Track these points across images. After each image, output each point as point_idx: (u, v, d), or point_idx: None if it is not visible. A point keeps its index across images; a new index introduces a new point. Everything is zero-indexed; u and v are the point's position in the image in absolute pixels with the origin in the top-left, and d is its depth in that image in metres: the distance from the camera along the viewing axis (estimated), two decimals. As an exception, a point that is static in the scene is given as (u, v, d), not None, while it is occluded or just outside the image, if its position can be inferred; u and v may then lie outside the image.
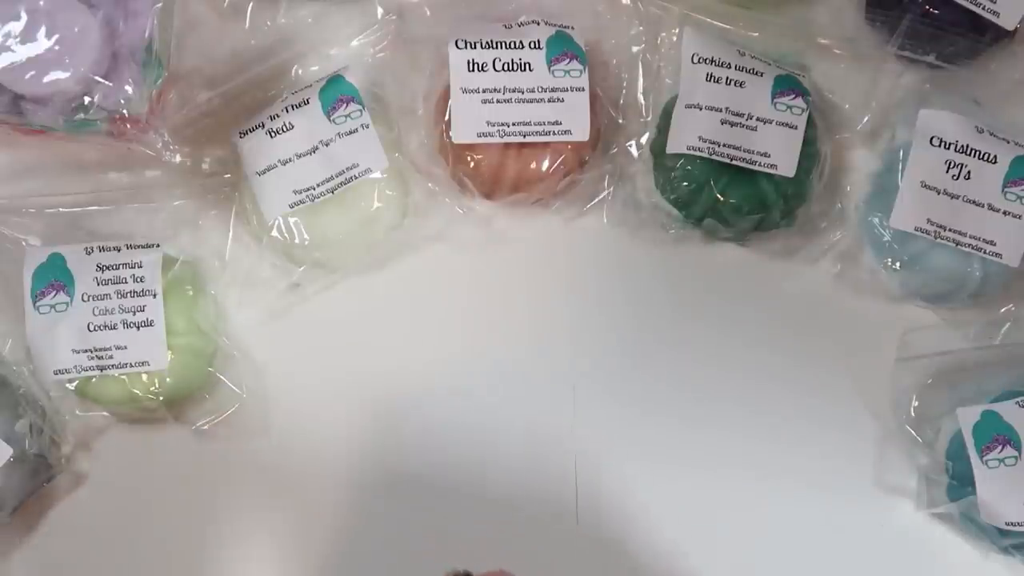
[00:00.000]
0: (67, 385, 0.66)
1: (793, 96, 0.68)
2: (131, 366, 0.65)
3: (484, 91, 0.68)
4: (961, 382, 0.68)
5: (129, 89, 0.64)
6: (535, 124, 0.68)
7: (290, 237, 0.67)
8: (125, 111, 0.64)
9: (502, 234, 0.71)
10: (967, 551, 0.68)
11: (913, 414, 0.67)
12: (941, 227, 0.67)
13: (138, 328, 0.65)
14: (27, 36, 0.62)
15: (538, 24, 0.69)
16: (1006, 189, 0.67)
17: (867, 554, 0.68)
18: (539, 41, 0.68)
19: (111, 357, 0.65)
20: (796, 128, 0.68)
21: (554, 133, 0.68)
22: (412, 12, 0.72)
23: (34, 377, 0.67)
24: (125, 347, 0.65)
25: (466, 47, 0.68)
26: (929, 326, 0.70)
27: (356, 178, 0.67)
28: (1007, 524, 0.63)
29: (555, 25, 0.69)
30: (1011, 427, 0.64)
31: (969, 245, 0.67)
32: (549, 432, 0.69)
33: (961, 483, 0.65)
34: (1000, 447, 0.63)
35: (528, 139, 0.68)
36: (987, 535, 0.65)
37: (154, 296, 0.65)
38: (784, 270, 0.71)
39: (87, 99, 0.63)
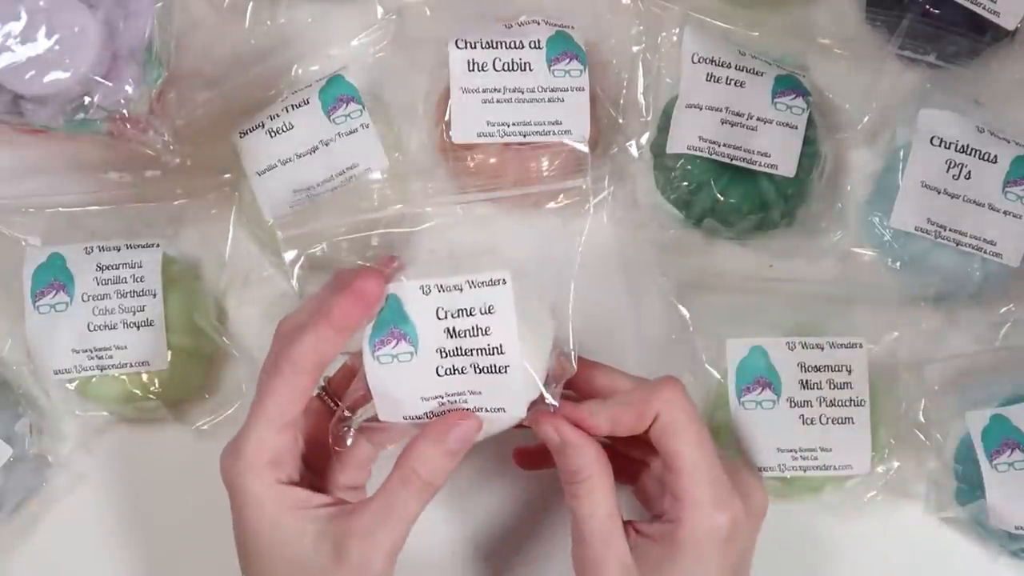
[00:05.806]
0: (67, 385, 0.66)
1: (793, 96, 0.68)
2: (131, 366, 0.65)
3: (484, 91, 0.68)
4: (969, 385, 0.67)
5: (129, 89, 0.64)
6: (535, 124, 0.68)
7: (290, 237, 0.67)
8: (125, 111, 0.64)
9: (502, 234, 0.71)
10: (976, 555, 0.67)
11: (920, 418, 0.66)
12: (941, 227, 0.67)
13: (138, 328, 0.65)
14: (27, 36, 0.61)
15: (538, 24, 0.69)
16: (1006, 189, 0.67)
17: (875, 558, 0.68)
18: (539, 41, 0.68)
19: (111, 357, 0.65)
20: (796, 128, 0.68)
21: (554, 133, 0.68)
22: (412, 12, 0.72)
23: (34, 377, 0.67)
24: (125, 347, 0.65)
25: (466, 47, 0.68)
26: (933, 328, 0.69)
27: (356, 178, 0.67)
28: (1016, 528, 0.63)
29: (555, 25, 0.69)
30: (1020, 431, 0.64)
31: (969, 245, 0.67)
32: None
33: (970, 487, 0.65)
34: (1009, 451, 0.63)
35: (528, 139, 0.68)
36: (996, 539, 0.65)
37: (154, 296, 0.65)
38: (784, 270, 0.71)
39: (87, 99, 0.63)
